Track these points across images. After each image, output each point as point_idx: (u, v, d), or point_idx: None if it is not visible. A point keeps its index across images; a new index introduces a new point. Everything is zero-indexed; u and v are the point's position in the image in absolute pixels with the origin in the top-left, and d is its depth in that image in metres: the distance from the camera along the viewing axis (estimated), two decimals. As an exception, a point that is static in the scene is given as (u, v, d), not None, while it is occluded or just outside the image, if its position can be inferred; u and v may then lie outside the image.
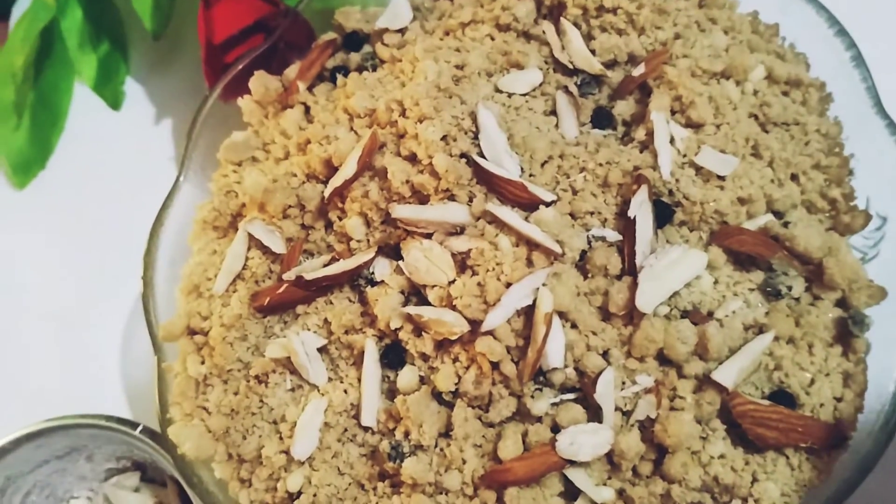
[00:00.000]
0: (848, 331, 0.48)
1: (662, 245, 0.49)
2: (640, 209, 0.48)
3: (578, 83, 0.53)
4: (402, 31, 0.59)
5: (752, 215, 0.50)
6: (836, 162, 0.52)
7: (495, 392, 0.47)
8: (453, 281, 0.48)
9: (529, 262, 0.47)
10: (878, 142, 0.51)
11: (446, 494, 0.48)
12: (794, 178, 0.52)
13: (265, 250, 0.55)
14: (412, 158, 0.50)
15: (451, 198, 0.49)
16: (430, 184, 0.49)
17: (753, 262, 0.50)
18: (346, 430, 0.51)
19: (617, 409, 0.47)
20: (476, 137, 0.50)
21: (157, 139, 0.78)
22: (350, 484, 0.50)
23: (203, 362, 0.55)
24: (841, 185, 0.52)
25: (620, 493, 0.47)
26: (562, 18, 0.55)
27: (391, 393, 0.51)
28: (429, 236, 0.50)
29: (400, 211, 0.49)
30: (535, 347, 0.46)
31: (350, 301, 0.53)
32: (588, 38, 0.55)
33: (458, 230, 0.49)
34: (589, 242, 0.49)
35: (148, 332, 0.57)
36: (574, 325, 0.47)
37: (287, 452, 0.51)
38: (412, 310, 0.49)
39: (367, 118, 0.54)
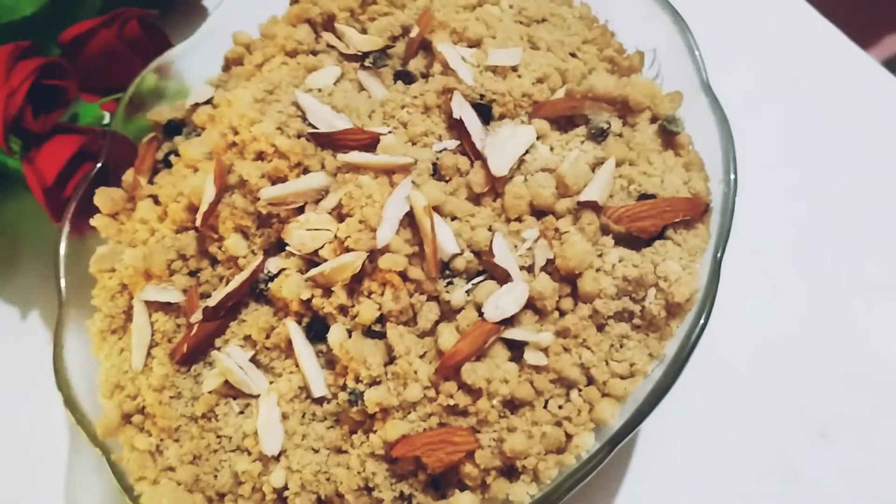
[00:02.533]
0: (668, 132, 0.56)
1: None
2: (462, 109, 0.55)
3: (372, 61, 0.61)
4: (209, 101, 0.65)
5: (553, 89, 0.58)
6: (599, 32, 0.62)
7: (415, 301, 0.51)
8: (337, 238, 0.53)
9: (392, 185, 0.53)
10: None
11: (415, 409, 0.50)
12: (573, 56, 0.60)
13: (166, 309, 0.57)
14: (260, 158, 0.56)
15: (306, 170, 0.55)
16: (283, 165, 0.54)
17: (571, 121, 0.57)
18: (303, 414, 0.53)
19: (521, 268, 0.52)
20: (305, 119, 0.56)
21: (22, 345, 0.77)
22: (329, 454, 0.52)
23: (150, 434, 0.56)
24: (610, 45, 0.61)
25: (556, 334, 0.51)
26: (335, 25, 0.63)
27: (329, 364, 0.53)
28: (301, 211, 0.54)
29: (268, 192, 0.53)
30: (428, 240, 0.50)
31: (258, 310, 0.56)
32: (364, 32, 0.63)
33: (324, 193, 0.54)
34: (435, 158, 0.55)
35: (90, 441, 0.57)
36: (454, 218, 0.53)
37: (259, 458, 0.52)
38: (314, 271, 0.52)
39: (208, 160, 0.59)
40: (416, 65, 0.61)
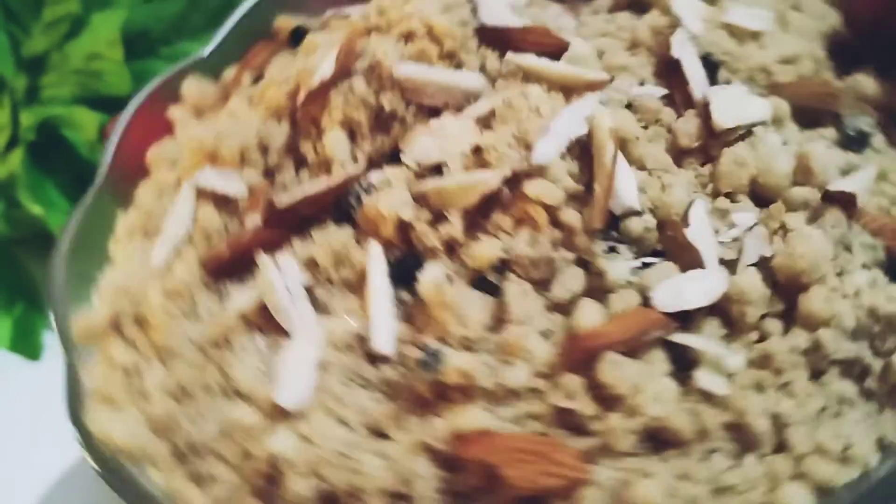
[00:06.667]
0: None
1: (716, 95, 0.40)
2: (684, 50, 0.40)
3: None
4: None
5: (801, 76, 0.43)
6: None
7: (557, 258, 0.35)
8: (477, 148, 0.38)
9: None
10: None
11: (511, 401, 0.33)
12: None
13: (219, 203, 0.43)
14: (406, 38, 0.42)
15: (459, 66, 0.40)
16: (432, 50, 0.40)
17: (817, 119, 0.42)
18: (348, 372, 0.37)
19: (720, 260, 0.35)
20: (475, 14, 0.43)
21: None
22: (365, 434, 0.35)
23: (136, 350, 0.40)
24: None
25: (750, 362, 0.34)
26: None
27: (409, 317, 0.37)
28: (436, 114, 0.40)
29: (405, 69, 0.39)
30: (603, 175, 0.35)
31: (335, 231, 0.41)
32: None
33: (472, 100, 0.40)
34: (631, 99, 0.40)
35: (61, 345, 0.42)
36: (642, 167, 0.37)
37: (265, 410, 0.36)
38: (430, 184, 0.37)
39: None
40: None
